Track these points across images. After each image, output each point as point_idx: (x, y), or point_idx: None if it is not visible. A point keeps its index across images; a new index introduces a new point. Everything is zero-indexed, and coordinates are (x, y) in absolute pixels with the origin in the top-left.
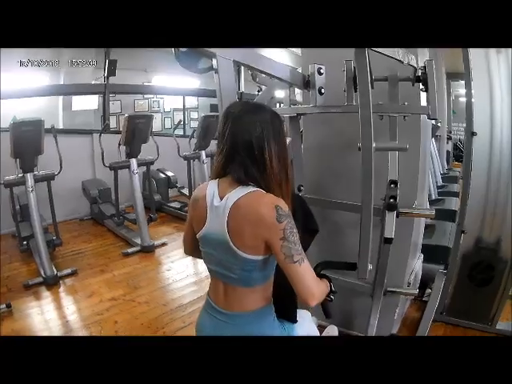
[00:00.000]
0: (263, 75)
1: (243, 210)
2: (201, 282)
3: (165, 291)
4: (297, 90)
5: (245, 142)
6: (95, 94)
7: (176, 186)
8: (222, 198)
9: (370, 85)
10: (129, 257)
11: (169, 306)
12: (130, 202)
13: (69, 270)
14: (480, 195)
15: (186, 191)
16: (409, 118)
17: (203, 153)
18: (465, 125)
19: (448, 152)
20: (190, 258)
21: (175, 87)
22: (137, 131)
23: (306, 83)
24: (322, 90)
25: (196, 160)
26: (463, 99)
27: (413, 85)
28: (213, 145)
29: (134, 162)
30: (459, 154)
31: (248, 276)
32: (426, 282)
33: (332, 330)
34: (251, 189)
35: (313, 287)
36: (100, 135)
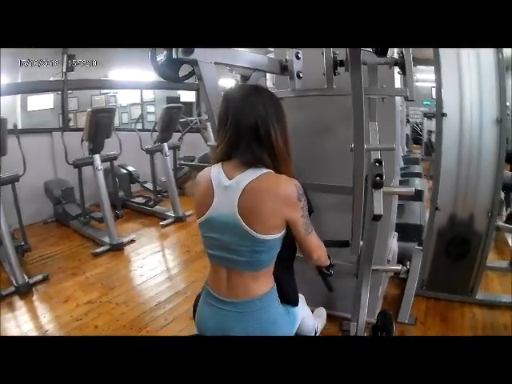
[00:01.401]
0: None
1: (260, 191)
2: (175, 276)
3: (141, 289)
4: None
5: (250, 125)
6: (54, 91)
7: (138, 181)
8: (230, 179)
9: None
10: (99, 257)
11: (147, 305)
12: (94, 201)
13: (40, 277)
14: (451, 173)
15: (149, 186)
16: (385, 100)
17: (165, 145)
18: (421, 108)
19: (407, 135)
20: (160, 253)
21: (134, 81)
22: (100, 126)
23: (283, 68)
24: (301, 75)
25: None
26: (420, 84)
27: (390, 68)
28: (175, 137)
29: (97, 158)
30: (417, 136)
31: (257, 258)
32: (401, 259)
33: (320, 312)
34: (264, 170)
35: (318, 247)
36: (62, 133)
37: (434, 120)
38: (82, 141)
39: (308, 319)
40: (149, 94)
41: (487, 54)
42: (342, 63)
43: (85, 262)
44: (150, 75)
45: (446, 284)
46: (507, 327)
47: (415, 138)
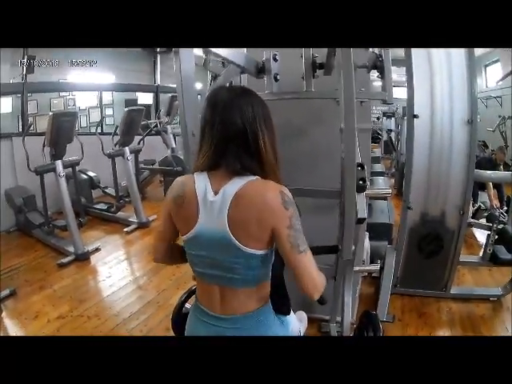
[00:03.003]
0: (215, 62)
1: (247, 200)
2: (145, 285)
3: (111, 300)
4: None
5: (238, 130)
6: (13, 93)
7: (99, 187)
8: (216, 193)
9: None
10: (65, 267)
11: (120, 316)
12: (56, 208)
13: (7, 291)
14: (423, 173)
15: (110, 191)
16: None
17: (127, 149)
18: (379, 107)
19: None
20: (127, 261)
21: (93, 83)
22: (62, 130)
23: (260, 70)
24: (278, 77)
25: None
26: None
27: (368, 72)
28: (136, 140)
29: (59, 164)
30: (375, 135)
31: (252, 275)
32: (372, 258)
33: (301, 315)
34: (250, 177)
35: (317, 278)
36: (23, 138)
37: (393, 119)
38: (44, 146)
39: (295, 324)
40: (107, 97)
41: (458, 56)
42: (321, 66)
43: (51, 274)
44: (109, 77)
45: (420, 281)
46: (484, 318)
47: (373, 137)
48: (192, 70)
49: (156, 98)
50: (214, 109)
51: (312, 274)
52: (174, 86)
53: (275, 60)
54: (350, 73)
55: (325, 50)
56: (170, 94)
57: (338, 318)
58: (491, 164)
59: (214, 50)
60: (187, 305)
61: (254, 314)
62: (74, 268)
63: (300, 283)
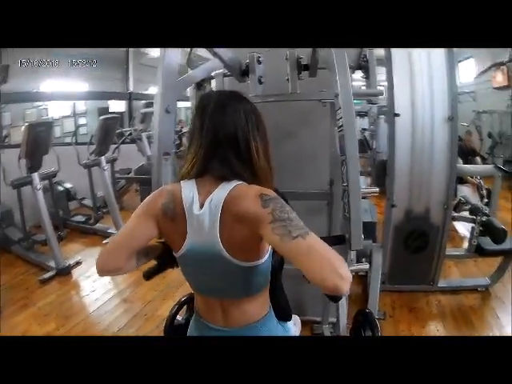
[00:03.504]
0: (198, 62)
1: (230, 211)
2: (130, 297)
3: (98, 315)
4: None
5: (229, 135)
6: None
7: (76, 198)
8: (202, 205)
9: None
10: (47, 283)
11: (109, 331)
12: (33, 222)
13: None
14: (405, 171)
15: (88, 202)
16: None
17: (103, 159)
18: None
19: None
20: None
21: (69, 92)
22: (38, 141)
23: (243, 72)
24: (262, 80)
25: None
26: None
27: (353, 72)
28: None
29: (36, 176)
30: None
31: (252, 282)
32: (357, 257)
33: (295, 319)
34: (235, 183)
35: (334, 259)
36: None
37: (366, 118)
38: (20, 158)
39: (292, 329)
40: (80, 106)
41: (438, 55)
42: (306, 67)
43: (33, 291)
44: (82, 86)
45: (407, 276)
46: (474, 308)
47: None
48: (175, 70)
49: (129, 106)
50: (203, 112)
51: (324, 254)
52: (148, 92)
53: (259, 62)
54: (346, 72)
55: (309, 52)
56: (144, 101)
57: (331, 319)
58: (463, 152)
59: (201, 50)
60: (178, 316)
61: (259, 324)
62: (56, 283)
63: (310, 272)
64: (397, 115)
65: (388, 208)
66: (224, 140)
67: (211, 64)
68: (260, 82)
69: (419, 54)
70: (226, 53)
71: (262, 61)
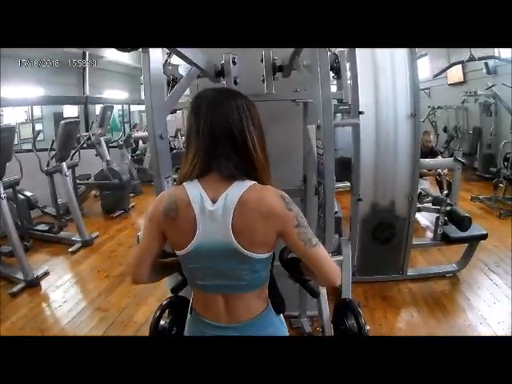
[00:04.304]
0: (172, 67)
1: (250, 207)
2: (104, 306)
3: (74, 327)
4: None
5: (225, 130)
6: None
7: (38, 206)
8: (214, 200)
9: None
10: (18, 296)
11: None
12: None
13: None
14: (370, 166)
15: (50, 210)
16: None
17: (64, 164)
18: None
19: None
20: (79, 283)
21: (26, 97)
22: (0, 148)
23: (218, 73)
24: (237, 80)
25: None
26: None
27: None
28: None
29: (0, 185)
30: None
31: (258, 277)
32: None
33: None
34: (250, 182)
35: (336, 265)
36: None
37: None
38: None
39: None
40: (37, 112)
41: (400, 53)
42: (280, 68)
43: (5, 305)
44: (38, 90)
45: (377, 267)
46: (444, 293)
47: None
48: (162, 87)
49: (85, 110)
50: (199, 111)
51: (331, 262)
52: (104, 96)
53: (234, 63)
54: (326, 72)
55: (284, 53)
56: (102, 105)
57: (308, 313)
58: (423, 153)
59: (177, 50)
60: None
61: (261, 317)
62: (26, 296)
63: (322, 274)
64: (361, 113)
65: (354, 202)
66: (222, 138)
67: (194, 71)
68: (235, 83)
69: (382, 52)
70: (200, 57)
71: (237, 61)
